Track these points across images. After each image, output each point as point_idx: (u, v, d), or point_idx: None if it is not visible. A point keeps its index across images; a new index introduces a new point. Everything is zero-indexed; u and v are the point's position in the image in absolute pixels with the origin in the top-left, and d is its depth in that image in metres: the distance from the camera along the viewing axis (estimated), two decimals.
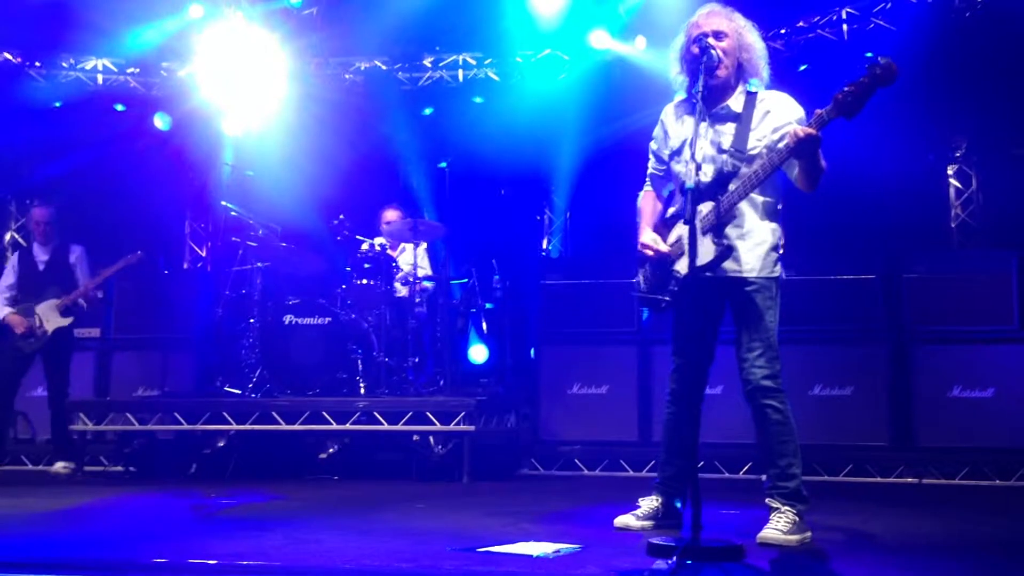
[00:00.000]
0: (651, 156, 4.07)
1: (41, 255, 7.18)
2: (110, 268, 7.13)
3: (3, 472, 7.20)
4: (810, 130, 3.43)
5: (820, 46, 7.74)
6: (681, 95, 3.92)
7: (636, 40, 8.06)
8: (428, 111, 8.92)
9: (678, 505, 3.91)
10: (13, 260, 7.32)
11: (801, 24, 7.80)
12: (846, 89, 3.35)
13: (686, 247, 3.61)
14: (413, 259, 7.14)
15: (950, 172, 7.98)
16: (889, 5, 7.53)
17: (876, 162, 7.21)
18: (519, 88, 8.54)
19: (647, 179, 4.10)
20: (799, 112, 3.74)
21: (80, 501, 5.05)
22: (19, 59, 8.48)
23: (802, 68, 7.66)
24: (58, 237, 7.20)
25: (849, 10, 7.66)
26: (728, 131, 3.75)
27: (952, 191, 7.97)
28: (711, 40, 3.72)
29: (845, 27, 7.69)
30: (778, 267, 3.78)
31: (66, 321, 7.02)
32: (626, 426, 6.75)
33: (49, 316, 7.00)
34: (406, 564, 3.17)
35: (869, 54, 7.48)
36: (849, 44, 7.63)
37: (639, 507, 3.92)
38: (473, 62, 8.73)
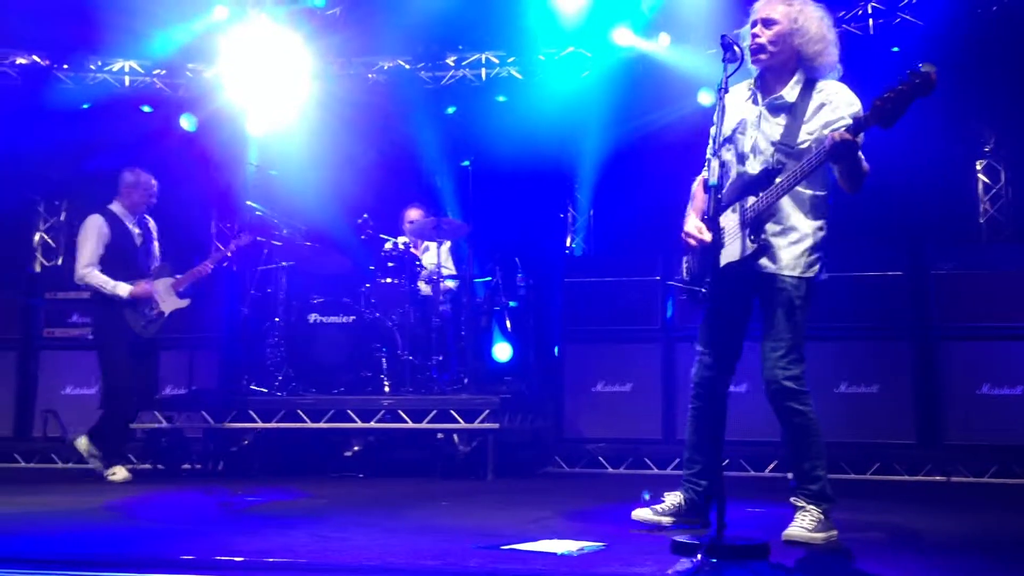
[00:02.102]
0: (710, 140, 4.01)
1: (133, 227, 6.38)
2: (230, 246, 6.71)
3: (31, 469, 7.31)
4: (847, 135, 3.38)
5: (845, 41, 7.59)
6: (749, 80, 3.85)
7: (659, 37, 8.02)
8: (451, 110, 8.92)
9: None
10: (100, 228, 6.25)
11: None
12: (885, 96, 3.27)
13: (725, 240, 3.61)
14: (437, 258, 7.15)
15: (978, 167, 7.89)
16: None
17: (903, 157, 7.11)
18: (542, 86, 8.52)
19: (705, 163, 4.04)
20: (856, 106, 3.62)
21: (108, 498, 5.10)
22: (47, 62, 8.57)
23: None
24: None
25: (875, 4, 7.59)
26: (780, 123, 3.69)
27: (980, 186, 7.88)
28: (757, 28, 3.69)
29: (871, 21, 7.61)
30: (815, 268, 3.69)
31: (184, 303, 6.44)
32: (650, 424, 6.74)
33: (165, 297, 6.33)
34: (431, 561, 3.18)
35: (895, 48, 7.41)
36: (875, 38, 7.55)
37: (663, 501, 3.90)
38: (496, 61, 8.72)
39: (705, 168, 4.00)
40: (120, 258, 6.25)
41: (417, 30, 8.16)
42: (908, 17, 7.45)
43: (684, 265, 3.91)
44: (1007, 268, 6.40)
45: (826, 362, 6.33)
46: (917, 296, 6.55)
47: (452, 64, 8.79)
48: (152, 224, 6.55)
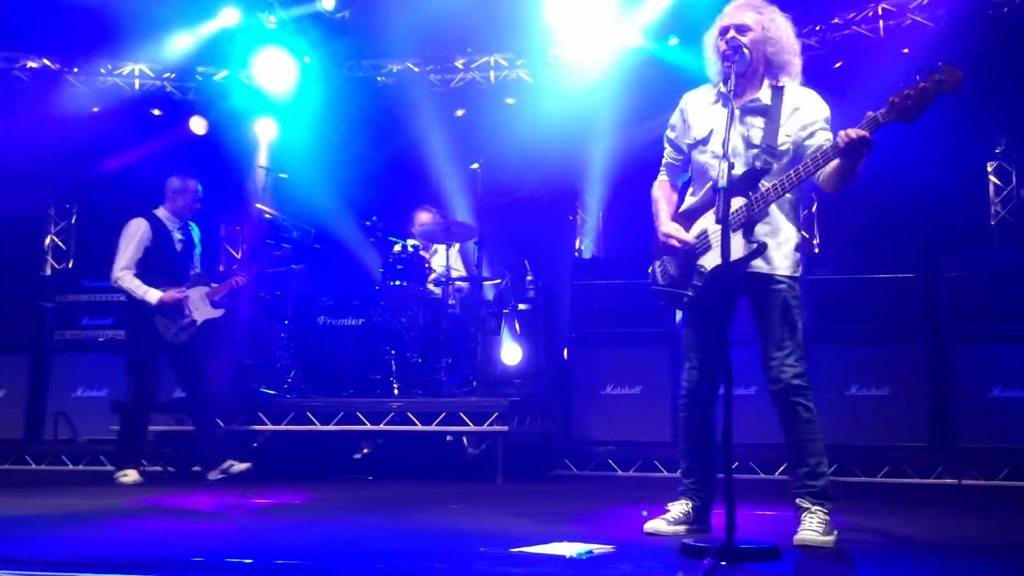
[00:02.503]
0: (667, 145, 4.02)
1: (176, 233, 6.37)
2: (238, 277, 6.59)
3: (43, 472, 7.33)
4: (864, 132, 3.38)
5: (856, 43, 7.64)
6: (709, 85, 3.90)
7: (669, 39, 8.01)
8: (460, 112, 8.93)
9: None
10: (144, 232, 6.23)
11: (836, 21, 7.70)
12: (905, 92, 3.28)
13: (712, 242, 3.60)
14: (446, 260, 7.16)
15: (990, 169, 7.86)
16: (926, 1, 7.42)
17: (915, 160, 7.11)
18: (551, 89, 8.52)
19: (662, 168, 4.05)
20: (826, 111, 3.72)
21: (118, 500, 5.12)
22: (57, 65, 8.60)
23: (837, 65, 7.57)
24: None
25: (885, 6, 7.56)
26: (758, 125, 3.71)
27: (992, 188, 7.85)
28: (732, 34, 3.71)
29: (881, 23, 7.58)
30: (800, 268, 3.76)
31: (218, 313, 6.37)
32: (660, 426, 6.73)
33: (199, 306, 6.28)
34: (440, 564, 3.17)
35: (906, 50, 7.38)
36: (885, 41, 7.52)
37: (668, 511, 3.89)
38: (505, 63, 8.73)
39: (662, 172, 4.02)
40: (159, 263, 6.23)
41: (426, 33, 8.16)
42: (919, 19, 7.43)
43: (657, 268, 3.91)
44: (1019, 270, 6.37)
45: (837, 365, 6.32)
46: (929, 299, 6.52)
47: (461, 67, 8.79)
48: (196, 232, 6.55)
